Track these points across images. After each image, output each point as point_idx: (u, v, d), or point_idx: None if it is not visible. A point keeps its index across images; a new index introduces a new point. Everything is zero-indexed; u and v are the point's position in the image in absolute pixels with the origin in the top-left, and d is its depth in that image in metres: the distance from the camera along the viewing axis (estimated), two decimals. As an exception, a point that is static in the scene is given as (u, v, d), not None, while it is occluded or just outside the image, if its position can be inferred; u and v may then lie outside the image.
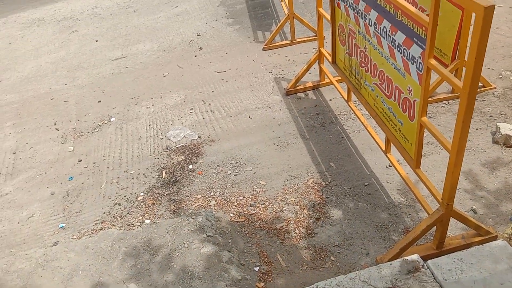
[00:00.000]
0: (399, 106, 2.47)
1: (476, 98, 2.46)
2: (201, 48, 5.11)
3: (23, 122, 4.30)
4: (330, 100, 3.77)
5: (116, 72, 4.91)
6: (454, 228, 2.45)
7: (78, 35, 6.02)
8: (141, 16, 6.22)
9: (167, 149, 3.52)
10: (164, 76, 4.66)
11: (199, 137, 3.61)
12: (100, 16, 6.49)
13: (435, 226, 2.23)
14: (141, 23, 5.99)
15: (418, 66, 2.19)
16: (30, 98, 4.71)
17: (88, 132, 3.92)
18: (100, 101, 4.39)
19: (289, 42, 4.84)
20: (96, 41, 5.73)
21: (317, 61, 3.90)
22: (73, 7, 7.03)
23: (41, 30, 6.46)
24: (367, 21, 2.69)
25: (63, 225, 2.94)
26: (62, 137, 3.94)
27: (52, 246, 2.71)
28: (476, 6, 1.62)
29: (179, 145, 3.54)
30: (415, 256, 2.00)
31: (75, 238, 2.77)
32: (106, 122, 4.03)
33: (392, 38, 2.40)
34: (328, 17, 3.42)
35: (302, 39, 4.82)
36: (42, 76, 5.13)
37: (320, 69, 3.93)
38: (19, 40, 6.29)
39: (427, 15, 3.33)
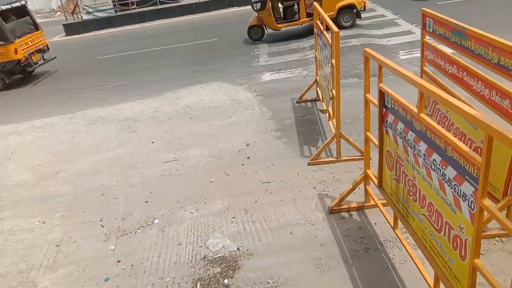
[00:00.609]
0: (450, 243, 2.36)
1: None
2: (248, 158, 5.29)
3: (72, 215, 4.47)
4: (375, 224, 3.68)
5: (167, 174, 5.12)
6: None
7: (136, 136, 6.45)
8: (196, 122, 6.63)
9: (204, 258, 3.49)
10: (211, 182, 4.80)
11: (238, 249, 3.57)
12: (159, 119, 6.99)
13: None
14: (196, 129, 6.37)
15: (470, 204, 2.13)
16: (82, 192, 4.95)
17: (131, 232, 3.99)
18: (147, 201, 4.53)
19: (334, 159, 4.92)
20: (152, 142, 6.10)
21: (363, 181, 3.90)
22: (136, 109, 7.65)
23: (104, 128, 7.00)
24: (416, 151, 2.72)
25: (91, 330, 2.86)
26: (105, 234, 4.02)
27: None
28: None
29: (217, 256, 3.50)
30: None
31: None
32: (150, 223, 4.11)
33: (443, 172, 2.38)
34: (376, 141, 3.49)
35: (348, 158, 4.89)
36: (97, 171, 5.43)
37: (366, 191, 3.91)
38: (82, 135, 6.82)
39: (476, 147, 3.33)
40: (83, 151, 6.18)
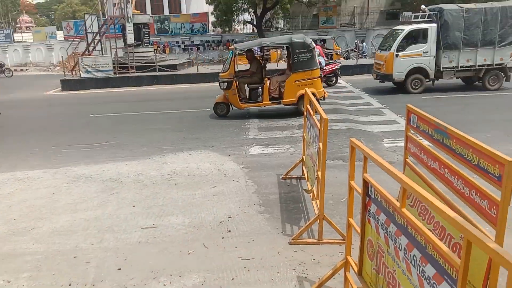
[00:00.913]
0: None
1: None
2: (229, 231, 5.22)
3: (40, 276, 4.26)
4: (353, 314, 3.58)
5: (144, 241, 5.00)
6: None
7: (117, 198, 6.37)
8: (180, 189, 6.60)
9: (174, 337, 3.31)
10: (188, 254, 4.68)
11: (210, 329, 3.41)
12: (143, 183, 6.95)
13: None
14: (179, 197, 6.32)
15: (448, 306, 2.12)
16: (54, 252, 4.77)
17: (99, 301, 3.81)
18: (120, 269, 4.36)
19: (316, 241, 4.88)
20: (133, 206, 6.01)
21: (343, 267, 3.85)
22: (121, 170, 7.62)
23: (86, 186, 6.91)
24: (397, 244, 2.74)
25: None
26: (72, 301, 3.82)
27: None
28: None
29: (187, 335, 3.33)
30: None
31: None
32: (120, 293, 3.94)
33: (422, 269, 2.39)
34: (358, 229, 3.51)
35: (329, 241, 4.86)
36: (73, 232, 5.28)
37: (345, 277, 3.84)
38: (63, 192, 6.70)
39: (456, 243, 3.36)
40: (61, 208, 6.04)
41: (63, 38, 35.38)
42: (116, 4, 22.61)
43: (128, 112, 13.59)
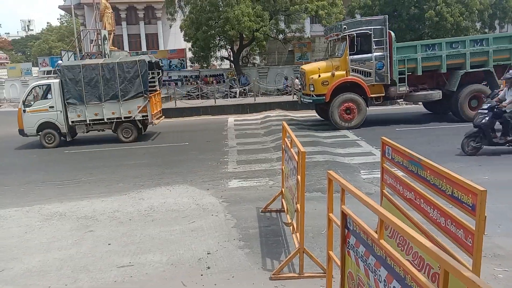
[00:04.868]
0: None
1: None
2: (208, 268, 5.12)
3: (8, 322, 4.05)
4: None
5: (120, 280, 4.84)
6: None
7: (93, 235, 6.19)
8: (158, 226, 6.47)
9: None
10: (166, 292, 4.55)
11: None
12: (119, 220, 6.79)
13: None
14: (156, 233, 6.19)
15: (430, 337, 2.12)
16: (25, 295, 4.56)
17: None
18: (94, 311, 4.20)
19: (297, 275, 4.83)
20: (109, 244, 5.85)
21: (324, 302, 3.81)
22: (96, 207, 7.44)
23: (60, 225, 6.70)
24: (377, 276, 2.74)
25: None
26: None
27: None
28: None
29: None
30: None
31: None
32: (94, 336, 3.77)
33: (402, 300, 2.39)
34: (338, 262, 3.50)
35: (310, 275, 4.82)
36: (46, 272, 5.07)
37: (327, 312, 3.80)
38: (36, 231, 6.48)
39: (434, 273, 3.38)
40: (34, 248, 5.82)
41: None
42: (94, 41, 22.72)
43: (104, 148, 13.42)
